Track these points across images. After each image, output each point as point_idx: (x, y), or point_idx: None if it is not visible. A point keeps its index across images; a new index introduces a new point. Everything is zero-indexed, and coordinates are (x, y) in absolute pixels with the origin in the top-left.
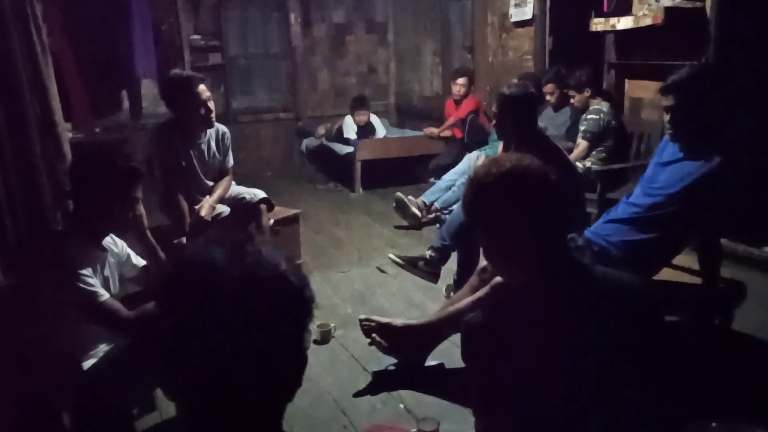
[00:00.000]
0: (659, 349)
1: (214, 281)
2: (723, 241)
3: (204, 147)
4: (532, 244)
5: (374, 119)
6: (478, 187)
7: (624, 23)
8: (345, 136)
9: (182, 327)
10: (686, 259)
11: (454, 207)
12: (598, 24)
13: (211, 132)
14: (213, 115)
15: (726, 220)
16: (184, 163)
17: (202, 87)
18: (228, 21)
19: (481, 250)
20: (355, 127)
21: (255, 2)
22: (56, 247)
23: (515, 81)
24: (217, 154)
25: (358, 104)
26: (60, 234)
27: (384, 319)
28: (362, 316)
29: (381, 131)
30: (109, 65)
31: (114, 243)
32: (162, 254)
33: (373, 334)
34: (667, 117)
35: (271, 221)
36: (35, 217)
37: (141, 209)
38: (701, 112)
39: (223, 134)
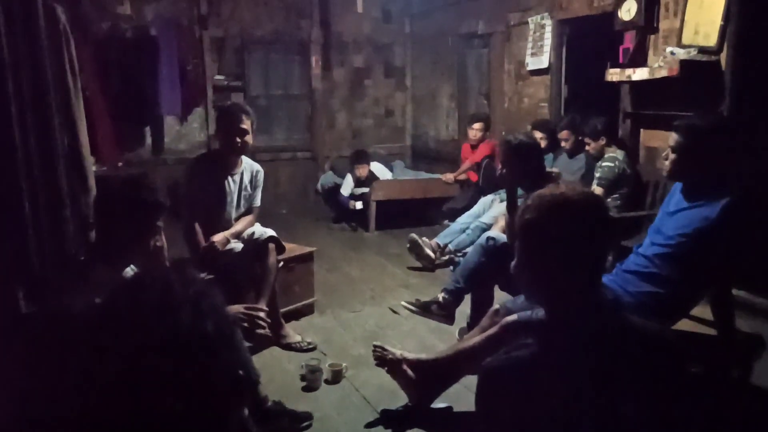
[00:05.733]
0: (681, 401)
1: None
2: (741, 293)
3: (238, 178)
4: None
5: (375, 167)
6: (544, 206)
7: (639, 74)
8: (342, 192)
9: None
10: (704, 310)
11: (468, 249)
12: (613, 74)
13: (246, 166)
14: (245, 146)
15: (736, 270)
16: (218, 191)
17: (243, 118)
18: (251, 63)
19: (513, 265)
20: (352, 185)
21: (278, 46)
22: (78, 276)
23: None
24: (249, 187)
25: (358, 158)
26: (82, 263)
27: (397, 352)
28: (377, 343)
29: (385, 177)
30: (135, 103)
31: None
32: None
33: (388, 361)
34: (667, 153)
35: (281, 264)
36: (58, 247)
37: (162, 240)
38: (706, 159)
39: (257, 172)
